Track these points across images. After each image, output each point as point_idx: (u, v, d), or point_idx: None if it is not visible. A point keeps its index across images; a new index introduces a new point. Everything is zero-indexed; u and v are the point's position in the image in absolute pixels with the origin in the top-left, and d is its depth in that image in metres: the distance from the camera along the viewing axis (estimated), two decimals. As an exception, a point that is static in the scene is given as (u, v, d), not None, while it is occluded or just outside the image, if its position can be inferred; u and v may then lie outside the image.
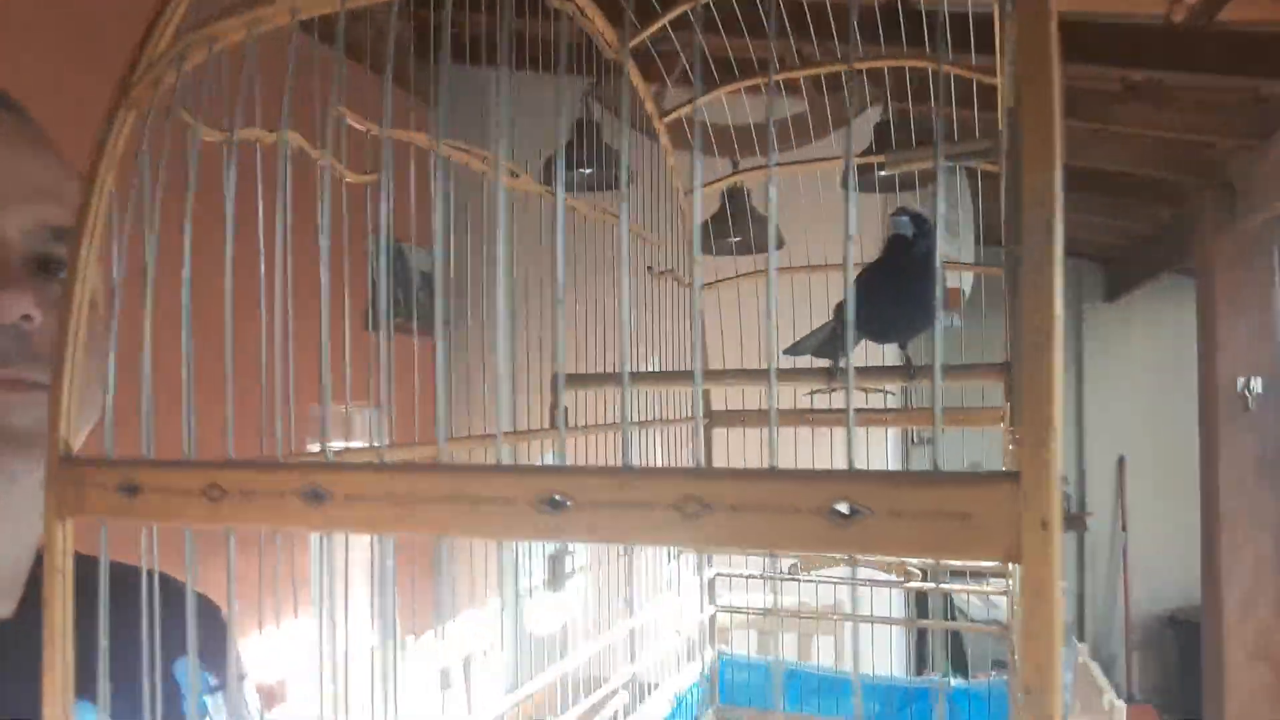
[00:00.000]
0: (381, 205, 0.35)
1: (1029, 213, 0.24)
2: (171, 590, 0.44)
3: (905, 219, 0.75)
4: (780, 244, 1.08)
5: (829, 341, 0.81)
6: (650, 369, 1.00)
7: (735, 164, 1.54)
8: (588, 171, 1.46)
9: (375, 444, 0.41)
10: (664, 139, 1.04)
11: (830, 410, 0.87)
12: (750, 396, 1.16)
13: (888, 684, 1.11)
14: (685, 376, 1.09)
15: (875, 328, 0.76)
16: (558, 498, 0.28)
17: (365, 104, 0.52)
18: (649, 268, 1.14)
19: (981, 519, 0.24)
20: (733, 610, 1.26)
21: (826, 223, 0.88)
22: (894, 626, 1.34)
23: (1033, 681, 0.24)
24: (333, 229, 0.40)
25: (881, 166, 1.03)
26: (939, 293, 0.34)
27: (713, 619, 1.22)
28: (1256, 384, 2.62)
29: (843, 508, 0.25)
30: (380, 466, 0.31)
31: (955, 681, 1.10)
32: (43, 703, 0.37)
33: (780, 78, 0.96)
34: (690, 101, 0.99)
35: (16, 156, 0.63)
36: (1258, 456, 2.66)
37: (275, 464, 0.33)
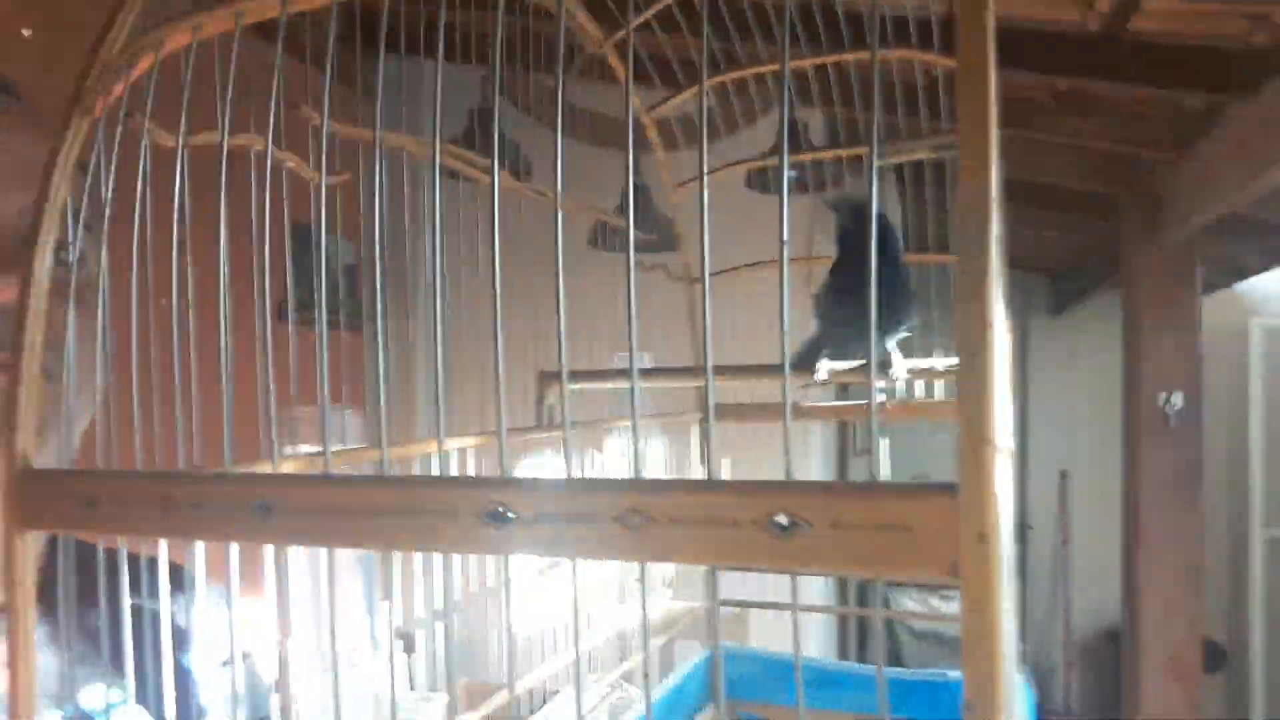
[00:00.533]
0: (314, 198, 0.34)
1: (964, 220, 0.24)
2: (180, 578, 0.44)
3: (845, 208, 0.74)
4: (674, 246, 1.07)
5: (814, 341, 0.80)
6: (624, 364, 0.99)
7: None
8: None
9: (322, 450, 0.40)
10: (653, 135, 1.04)
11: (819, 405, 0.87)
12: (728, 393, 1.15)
13: (890, 677, 1.11)
14: (677, 373, 1.08)
15: (856, 328, 0.75)
16: (501, 510, 0.28)
17: (312, 100, 0.51)
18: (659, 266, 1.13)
19: (921, 532, 0.24)
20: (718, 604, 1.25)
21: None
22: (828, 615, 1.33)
23: (974, 698, 0.23)
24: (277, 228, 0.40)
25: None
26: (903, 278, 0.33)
27: (713, 611, 1.22)
28: (1177, 399, 2.58)
29: (782, 520, 0.25)
30: (326, 479, 0.30)
31: (956, 674, 1.10)
32: (9, 706, 0.37)
33: (716, 81, 0.95)
34: (666, 100, 0.99)
35: (11, 139, 0.62)
36: (1177, 472, 2.61)
37: (225, 476, 0.33)
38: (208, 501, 0.32)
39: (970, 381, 0.23)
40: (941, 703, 1.05)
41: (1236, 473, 3.67)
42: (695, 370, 0.97)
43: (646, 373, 0.94)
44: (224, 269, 0.37)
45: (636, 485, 0.27)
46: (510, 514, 0.28)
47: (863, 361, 0.76)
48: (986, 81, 0.25)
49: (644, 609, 0.60)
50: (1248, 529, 3.67)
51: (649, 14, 0.96)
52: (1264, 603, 3.60)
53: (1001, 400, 0.24)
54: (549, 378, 0.84)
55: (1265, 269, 3.03)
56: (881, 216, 0.79)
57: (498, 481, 0.28)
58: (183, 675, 0.70)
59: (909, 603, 3.50)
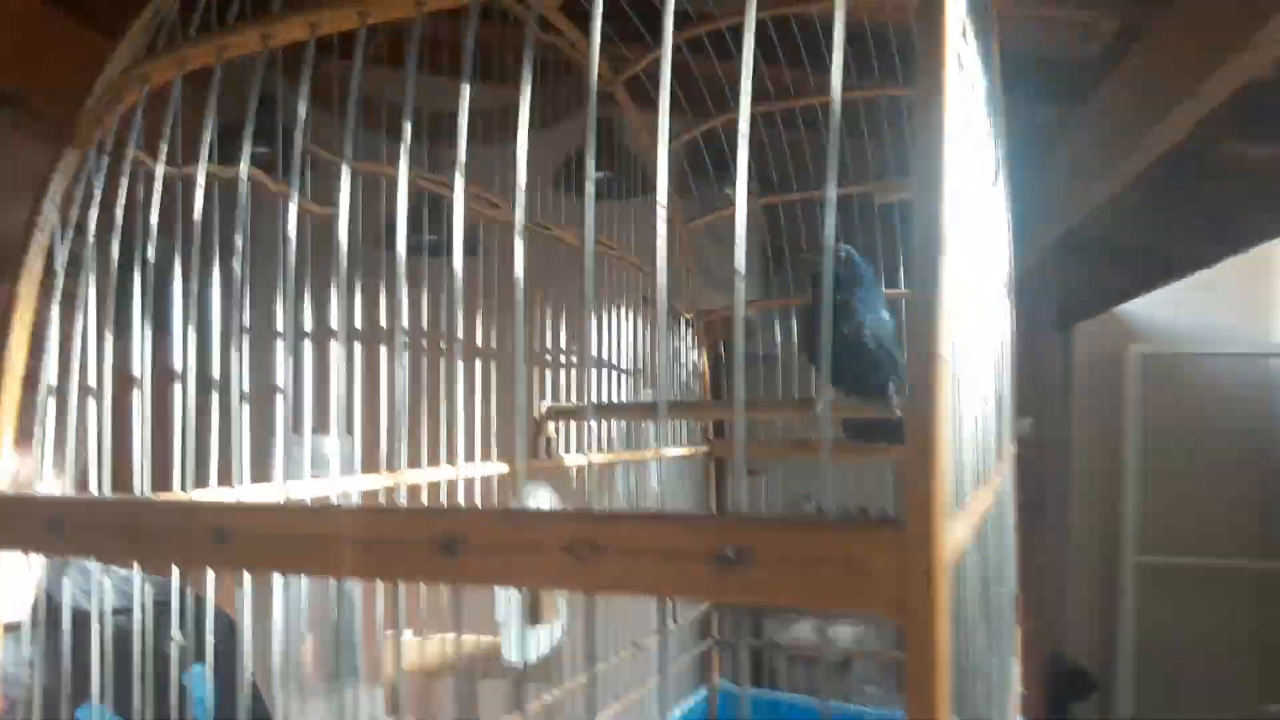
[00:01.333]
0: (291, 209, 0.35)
1: (917, 252, 0.24)
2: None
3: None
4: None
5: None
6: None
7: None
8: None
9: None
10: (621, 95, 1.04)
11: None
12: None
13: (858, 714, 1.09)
14: (696, 408, 1.08)
15: (853, 381, 0.74)
16: (453, 540, 0.28)
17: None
18: (644, 297, 1.13)
19: (867, 567, 0.23)
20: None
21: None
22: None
23: (920, 741, 0.23)
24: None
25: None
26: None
27: (707, 654, 1.21)
28: (1024, 425, 2.55)
29: (729, 553, 0.25)
30: (282, 507, 0.30)
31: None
32: None
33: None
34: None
35: (20, 150, 0.64)
36: (1020, 502, 2.57)
37: (186, 504, 0.33)
38: (167, 527, 0.32)
39: (919, 414, 0.23)
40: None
41: (1110, 500, 3.62)
42: (709, 406, 0.96)
43: (662, 407, 0.93)
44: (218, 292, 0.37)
45: (586, 516, 0.26)
46: (462, 544, 0.28)
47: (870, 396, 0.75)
48: (942, 107, 0.25)
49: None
50: (1119, 555, 3.63)
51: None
52: (1134, 629, 3.53)
53: (955, 432, 0.24)
54: (555, 411, 0.84)
55: (1141, 293, 2.98)
56: (854, 263, 0.78)
57: (450, 511, 0.28)
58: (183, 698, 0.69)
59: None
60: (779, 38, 0.92)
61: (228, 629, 0.76)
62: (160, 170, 0.37)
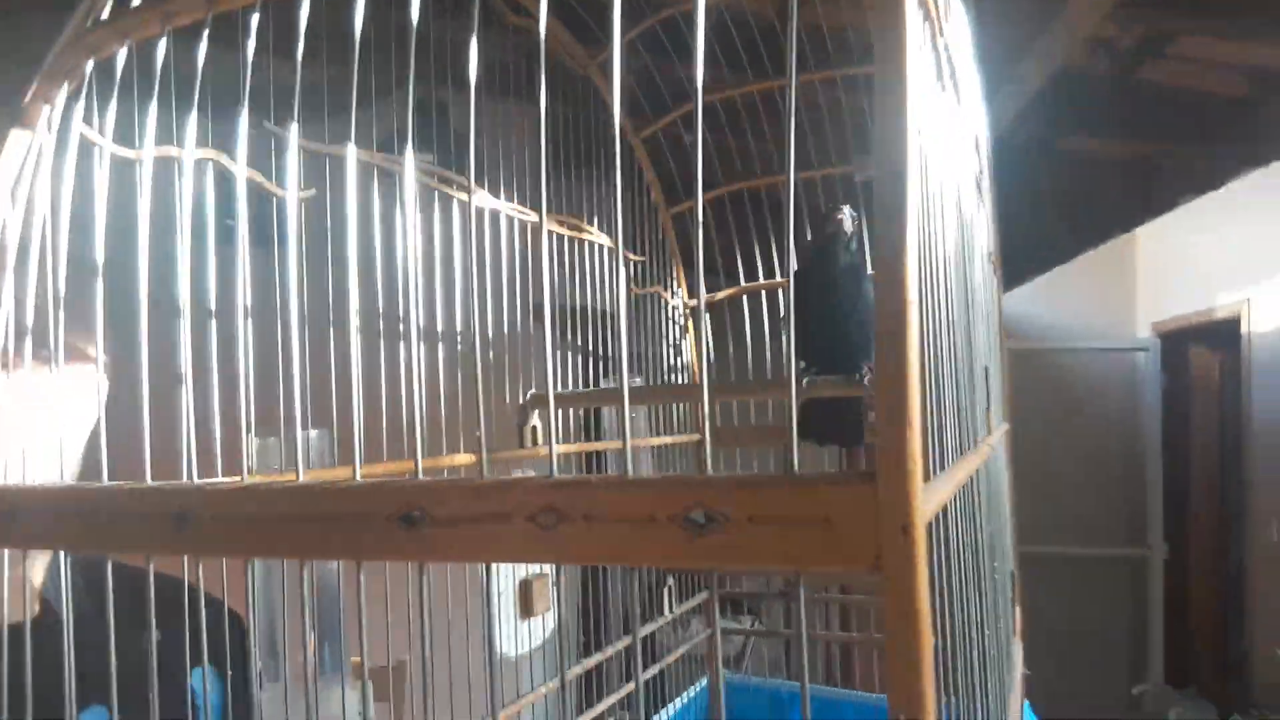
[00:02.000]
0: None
1: (881, 204, 0.23)
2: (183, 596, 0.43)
3: (848, 212, 0.72)
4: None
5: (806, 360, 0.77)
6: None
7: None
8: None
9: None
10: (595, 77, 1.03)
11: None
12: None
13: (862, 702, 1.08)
14: (669, 391, 1.07)
15: (829, 355, 0.72)
16: (415, 513, 0.27)
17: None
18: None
19: (841, 525, 0.22)
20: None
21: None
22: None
23: (902, 703, 0.22)
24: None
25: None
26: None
27: (713, 638, 1.20)
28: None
29: (698, 516, 0.23)
30: (242, 488, 0.29)
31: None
32: None
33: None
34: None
35: None
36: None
37: (141, 488, 0.31)
38: (124, 512, 0.31)
39: (889, 365, 0.22)
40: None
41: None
42: (688, 389, 0.95)
43: (638, 393, 0.92)
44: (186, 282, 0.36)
45: (550, 483, 0.25)
46: (423, 516, 0.26)
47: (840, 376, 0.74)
48: (903, 94, 0.23)
49: (636, 639, 0.58)
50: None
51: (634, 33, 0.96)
52: (1012, 617, 3.59)
53: (932, 392, 0.23)
54: (535, 401, 0.83)
55: (1009, 288, 3.00)
56: (842, 249, 0.77)
57: (410, 483, 0.27)
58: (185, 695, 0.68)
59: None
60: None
61: (238, 629, 0.75)
62: (106, 152, 0.35)
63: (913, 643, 0.22)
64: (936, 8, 0.40)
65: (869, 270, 0.77)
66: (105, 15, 0.36)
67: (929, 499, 0.23)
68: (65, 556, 0.42)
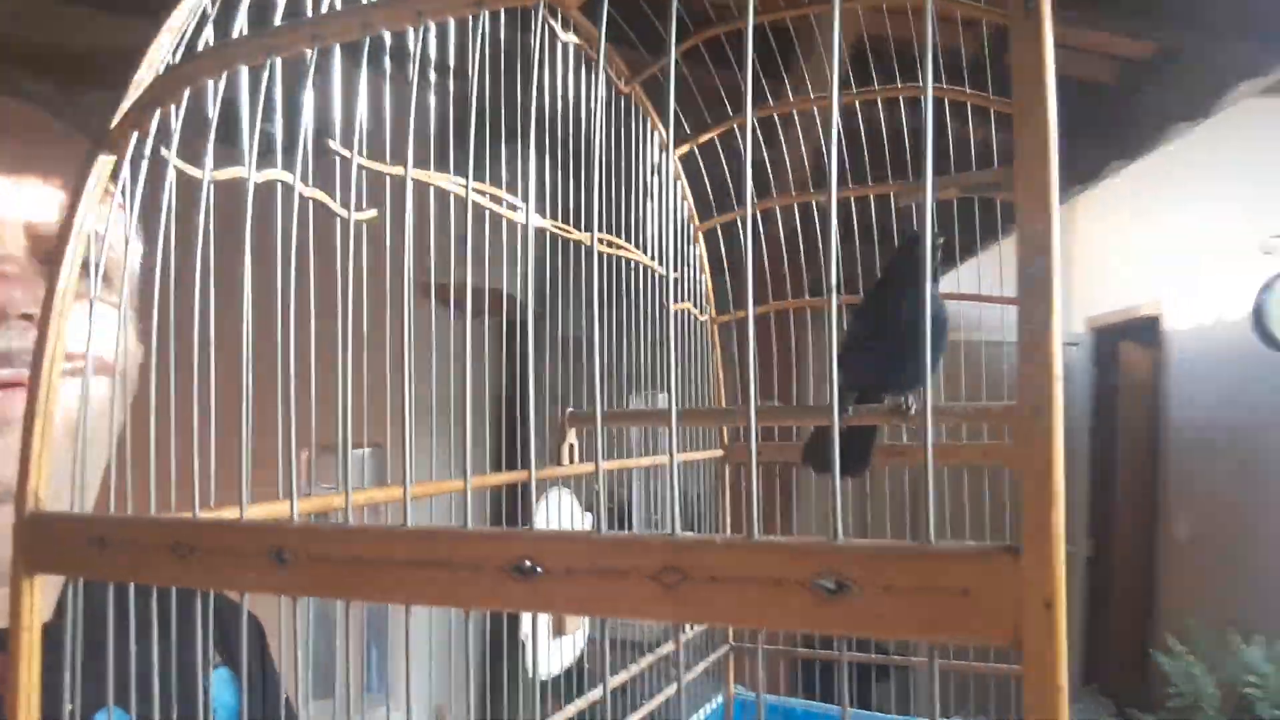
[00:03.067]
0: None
1: (1023, 263, 0.23)
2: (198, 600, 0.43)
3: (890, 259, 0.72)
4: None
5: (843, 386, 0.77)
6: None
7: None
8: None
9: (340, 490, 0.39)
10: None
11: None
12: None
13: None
14: (714, 414, 1.07)
15: (884, 374, 0.72)
16: (528, 564, 0.27)
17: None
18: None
19: (981, 596, 0.22)
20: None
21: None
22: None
23: (1039, 778, 0.22)
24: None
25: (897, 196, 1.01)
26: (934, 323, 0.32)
27: (725, 657, 1.19)
28: None
29: (828, 583, 0.23)
30: (344, 529, 0.29)
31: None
32: None
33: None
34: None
35: (39, 154, 0.62)
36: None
37: (240, 524, 0.31)
38: (222, 549, 0.31)
39: (1036, 437, 0.22)
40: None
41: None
42: (730, 412, 0.95)
43: (683, 414, 0.92)
44: (247, 308, 0.36)
45: (673, 542, 0.25)
46: (538, 569, 0.26)
47: (886, 404, 0.74)
48: (1046, 115, 0.23)
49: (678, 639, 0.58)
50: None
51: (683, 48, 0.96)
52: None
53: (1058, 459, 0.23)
54: (577, 417, 0.83)
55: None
56: (911, 243, 0.77)
57: (525, 534, 0.27)
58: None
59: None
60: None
61: (256, 631, 0.75)
62: (208, 175, 0.35)
63: (1052, 713, 0.22)
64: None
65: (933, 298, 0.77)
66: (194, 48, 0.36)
67: (1064, 570, 0.23)
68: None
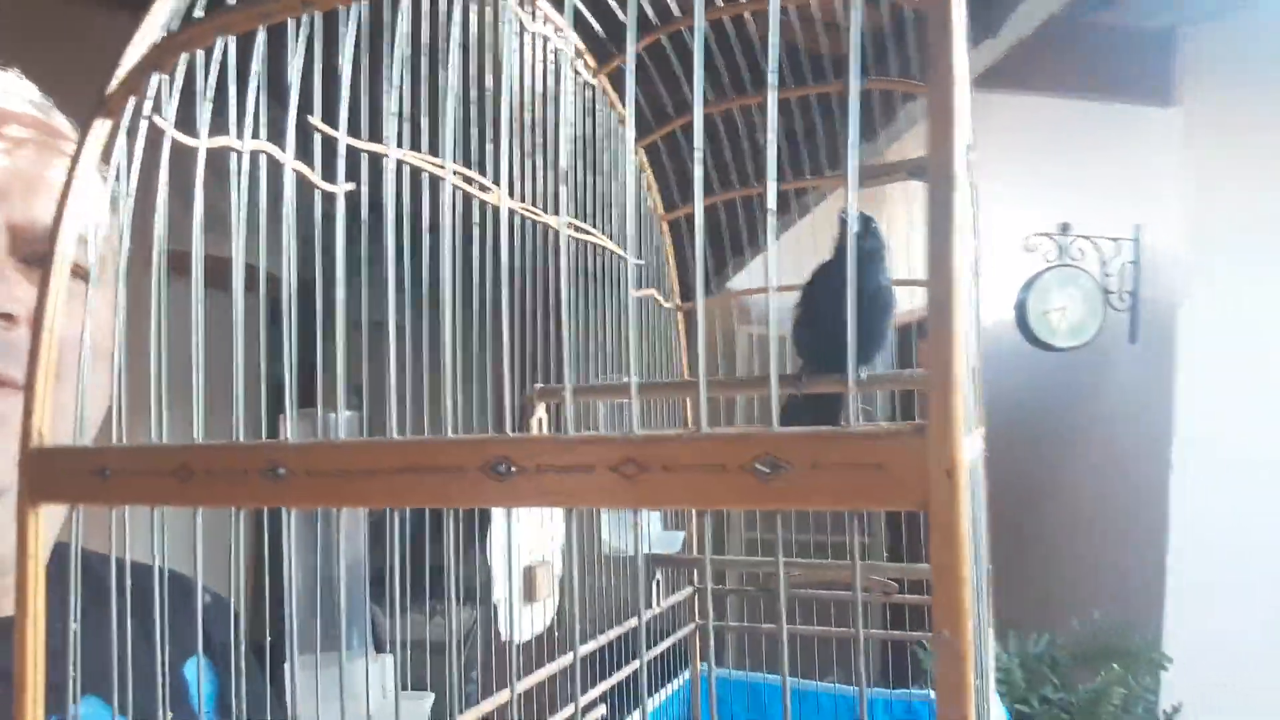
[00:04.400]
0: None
1: (932, 191, 0.26)
2: (180, 588, 0.45)
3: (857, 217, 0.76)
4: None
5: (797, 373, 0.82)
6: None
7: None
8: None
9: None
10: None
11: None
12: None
13: (869, 697, 1.12)
14: (672, 386, 1.10)
15: (825, 351, 0.76)
16: (505, 464, 0.30)
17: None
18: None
19: (893, 469, 0.26)
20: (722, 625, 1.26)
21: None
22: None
23: (946, 622, 0.25)
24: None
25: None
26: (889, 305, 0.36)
27: (694, 634, 1.23)
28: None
29: (765, 464, 0.27)
30: (335, 443, 0.32)
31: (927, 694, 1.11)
32: (15, 693, 0.38)
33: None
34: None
35: (16, 151, 0.64)
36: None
37: (237, 445, 0.34)
38: (221, 468, 0.34)
39: (939, 333, 0.26)
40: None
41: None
42: (690, 383, 0.99)
43: (643, 385, 0.95)
44: (238, 266, 0.39)
45: (631, 438, 0.29)
46: (514, 468, 0.30)
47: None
48: (951, 100, 0.27)
49: (641, 616, 0.61)
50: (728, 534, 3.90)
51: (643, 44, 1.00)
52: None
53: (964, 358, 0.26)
54: (541, 394, 0.86)
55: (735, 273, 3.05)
56: (871, 248, 0.81)
57: (500, 438, 0.30)
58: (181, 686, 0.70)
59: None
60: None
61: (224, 610, 0.76)
62: (204, 143, 0.38)
63: (956, 571, 0.25)
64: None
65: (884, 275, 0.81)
66: (197, 13, 0.39)
67: (966, 451, 0.26)
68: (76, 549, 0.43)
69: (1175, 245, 3.22)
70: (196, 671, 0.71)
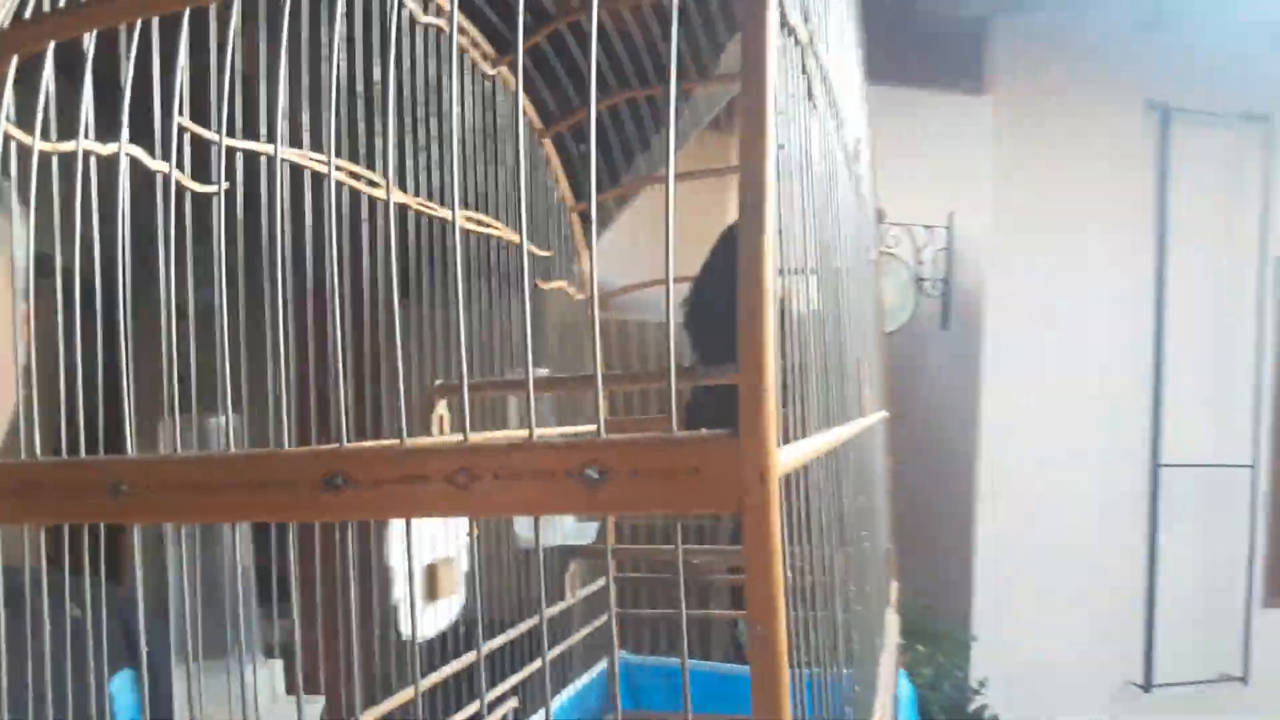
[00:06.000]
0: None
1: (742, 195, 0.27)
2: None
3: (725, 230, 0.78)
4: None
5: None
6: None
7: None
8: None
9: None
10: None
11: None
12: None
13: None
14: (573, 381, 1.11)
15: (718, 344, 0.78)
16: (339, 478, 0.30)
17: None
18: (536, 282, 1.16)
19: (709, 474, 0.27)
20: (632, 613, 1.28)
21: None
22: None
23: (760, 616, 0.26)
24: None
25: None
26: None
27: (610, 621, 1.24)
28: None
29: (593, 472, 0.28)
30: (176, 458, 0.32)
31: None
32: None
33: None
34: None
35: None
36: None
37: (81, 462, 0.34)
38: (57, 487, 0.33)
39: (750, 338, 0.26)
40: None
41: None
42: (587, 378, 0.99)
43: (543, 382, 0.95)
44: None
45: (462, 447, 0.29)
46: (348, 480, 0.30)
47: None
48: (764, 113, 0.28)
49: (543, 614, 0.62)
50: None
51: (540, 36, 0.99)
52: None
53: (794, 366, 0.27)
54: (442, 390, 0.85)
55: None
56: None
57: (333, 450, 0.30)
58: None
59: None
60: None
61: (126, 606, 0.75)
62: (36, 146, 0.37)
63: (768, 569, 0.26)
64: (807, 32, 0.45)
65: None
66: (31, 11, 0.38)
67: (786, 456, 0.27)
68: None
69: (985, 232, 3.34)
70: (121, 684, 0.69)
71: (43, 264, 0.42)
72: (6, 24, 0.39)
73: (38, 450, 0.36)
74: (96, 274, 0.44)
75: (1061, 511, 3.28)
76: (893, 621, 1.02)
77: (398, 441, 0.30)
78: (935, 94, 3.28)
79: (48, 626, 0.41)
